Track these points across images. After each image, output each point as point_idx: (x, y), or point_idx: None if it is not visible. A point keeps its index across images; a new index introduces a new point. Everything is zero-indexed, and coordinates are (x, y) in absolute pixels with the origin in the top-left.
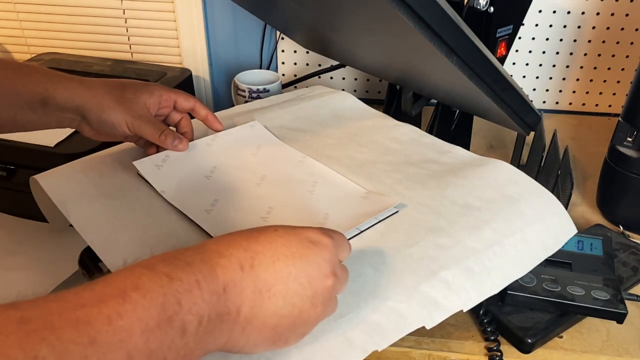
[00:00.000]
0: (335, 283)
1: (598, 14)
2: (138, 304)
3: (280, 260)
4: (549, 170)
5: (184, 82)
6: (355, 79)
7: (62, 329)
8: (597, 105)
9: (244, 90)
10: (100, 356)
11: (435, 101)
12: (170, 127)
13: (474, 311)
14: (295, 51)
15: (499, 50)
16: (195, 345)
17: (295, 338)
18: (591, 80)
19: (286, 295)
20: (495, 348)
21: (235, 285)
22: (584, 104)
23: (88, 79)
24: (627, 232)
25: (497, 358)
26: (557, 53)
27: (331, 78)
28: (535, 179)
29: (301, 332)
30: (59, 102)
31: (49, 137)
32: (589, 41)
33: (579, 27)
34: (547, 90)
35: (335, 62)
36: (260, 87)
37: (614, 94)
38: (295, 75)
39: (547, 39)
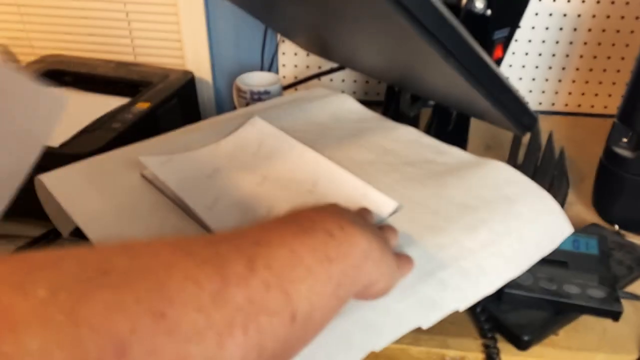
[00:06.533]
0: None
1: (594, 16)
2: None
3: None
4: (545, 170)
5: (187, 84)
6: (355, 81)
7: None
8: (592, 106)
9: (245, 92)
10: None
11: (433, 103)
12: None
13: (472, 309)
14: (295, 53)
15: (495, 53)
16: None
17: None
18: (587, 82)
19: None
20: (492, 345)
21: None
22: (579, 105)
23: None
24: (622, 232)
25: (494, 355)
26: (553, 55)
27: (331, 80)
28: (532, 179)
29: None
30: None
31: (54, 137)
32: (585, 43)
33: (574, 29)
34: (543, 91)
35: (335, 65)
36: (262, 89)
37: (610, 95)
38: (295, 77)
39: (544, 41)
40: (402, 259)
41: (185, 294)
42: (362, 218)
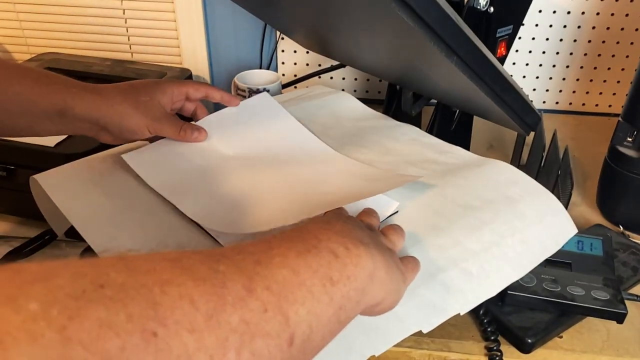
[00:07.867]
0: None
1: (598, 14)
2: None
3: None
4: (549, 170)
5: None
6: (355, 79)
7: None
8: (597, 105)
9: (244, 90)
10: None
11: (435, 101)
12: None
13: (474, 311)
14: (295, 51)
15: (499, 50)
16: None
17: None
18: (591, 80)
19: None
20: (495, 348)
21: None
22: (584, 104)
23: (104, 86)
24: (627, 232)
25: (497, 358)
26: (557, 53)
27: (331, 78)
28: (536, 179)
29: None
30: (78, 114)
31: (49, 137)
32: (589, 41)
33: (579, 27)
34: (547, 90)
35: (335, 62)
36: (260, 87)
37: (614, 94)
38: (295, 75)
39: (547, 39)
40: (407, 266)
41: (178, 313)
42: (368, 232)
